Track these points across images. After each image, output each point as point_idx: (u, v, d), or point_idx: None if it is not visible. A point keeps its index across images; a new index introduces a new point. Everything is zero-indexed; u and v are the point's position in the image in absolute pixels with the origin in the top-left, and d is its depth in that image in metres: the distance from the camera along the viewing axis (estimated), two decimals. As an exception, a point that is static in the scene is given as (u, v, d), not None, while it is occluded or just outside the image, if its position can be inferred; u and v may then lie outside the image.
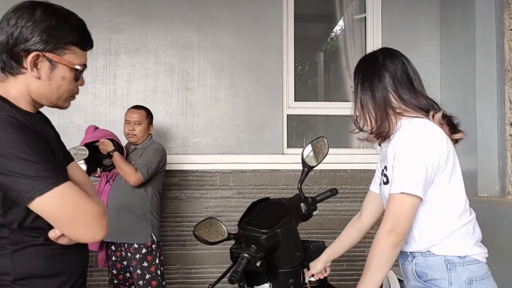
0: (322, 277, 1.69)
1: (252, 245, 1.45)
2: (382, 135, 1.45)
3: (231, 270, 1.41)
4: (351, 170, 3.43)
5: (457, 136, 1.45)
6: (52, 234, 1.14)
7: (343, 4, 3.85)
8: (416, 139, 1.35)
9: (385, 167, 1.46)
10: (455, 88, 3.30)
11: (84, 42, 1.23)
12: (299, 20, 3.60)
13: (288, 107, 3.50)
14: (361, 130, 1.54)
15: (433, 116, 1.39)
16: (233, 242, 1.59)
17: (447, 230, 1.38)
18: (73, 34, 1.17)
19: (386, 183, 1.44)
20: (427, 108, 1.43)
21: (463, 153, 3.07)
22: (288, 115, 3.52)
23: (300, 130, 4.49)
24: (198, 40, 3.39)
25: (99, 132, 2.85)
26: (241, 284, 1.58)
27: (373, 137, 1.49)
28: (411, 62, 1.50)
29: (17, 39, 1.11)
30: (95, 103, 3.36)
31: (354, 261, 3.40)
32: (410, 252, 1.44)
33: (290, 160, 3.36)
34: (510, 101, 2.95)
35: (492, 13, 3.03)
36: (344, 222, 3.44)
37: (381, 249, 1.33)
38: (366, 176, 3.40)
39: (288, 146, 3.50)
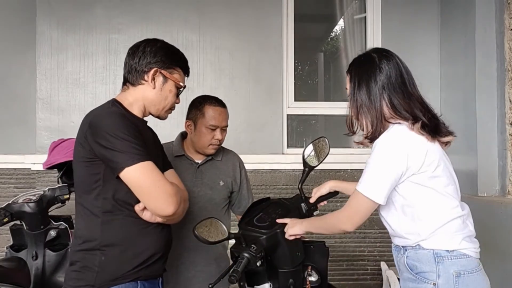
0: (322, 203, 1.80)
1: (252, 245, 1.45)
2: (375, 139, 1.49)
3: (231, 269, 1.41)
4: (351, 170, 3.43)
5: (446, 139, 1.49)
6: (136, 207, 1.42)
7: (343, 4, 3.85)
8: (389, 146, 1.41)
9: None
10: (455, 88, 3.30)
11: (186, 67, 1.68)
12: (299, 20, 3.60)
13: (288, 107, 3.50)
14: (354, 133, 1.57)
15: (413, 125, 1.43)
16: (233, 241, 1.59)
17: (434, 226, 1.43)
18: (181, 60, 1.65)
19: None
20: (416, 115, 1.45)
21: (463, 153, 3.08)
22: (288, 115, 3.52)
23: (300, 130, 4.49)
24: (197, 40, 3.39)
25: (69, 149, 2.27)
26: (241, 283, 1.58)
27: (368, 141, 1.53)
28: (403, 61, 1.53)
29: (144, 59, 1.55)
30: (95, 103, 3.28)
31: (354, 261, 3.40)
32: (402, 246, 1.51)
33: (290, 160, 3.35)
34: (510, 101, 2.95)
35: (492, 13, 3.03)
36: (344, 222, 3.45)
37: (334, 225, 1.53)
38: (366, 176, 3.40)
39: (288, 146, 3.50)
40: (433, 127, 1.45)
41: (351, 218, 1.46)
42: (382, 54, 1.52)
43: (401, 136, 1.42)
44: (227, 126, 2.11)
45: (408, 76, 1.50)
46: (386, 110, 1.47)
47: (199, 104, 2.07)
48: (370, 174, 1.42)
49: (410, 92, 1.48)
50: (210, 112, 2.04)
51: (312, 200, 1.74)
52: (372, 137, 1.50)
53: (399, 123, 1.46)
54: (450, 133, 1.49)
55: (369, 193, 1.41)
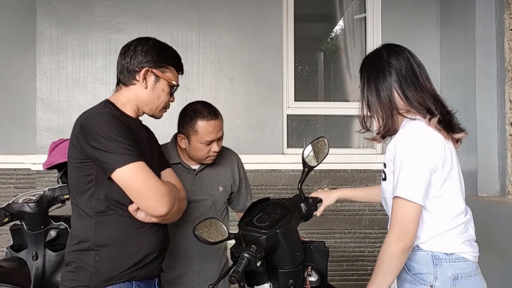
0: (318, 213, 1.79)
1: (252, 245, 1.45)
2: (388, 134, 1.49)
3: (232, 270, 1.41)
4: (351, 170, 3.43)
5: (458, 135, 1.47)
6: (130, 208, 1.43)
7: (343, 4, 3.85)
8: (417, 144, 1.38)
9: (384, 164, 1.49)
10: (455, 88, 3.30)
11: (179, 66, 1.63)
12: (299, 20, 3.60)
13: (288, 107, 3.50)
14: (367, 130, 1.56)
15: (429, 120, 1.41)
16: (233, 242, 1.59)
17: (437, 230, 1.42)
18: (173, 58, 1.60)
19: (384, 179, 1.49)
20: (429, 108, 1.44)
21: (463, 153, 3.07)
22: (288, 115, 3.52)
23: (300, 130, 4.49)
24: (197, 40, 3.39)
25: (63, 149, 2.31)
26: (241, 284, 1.58)
27: (379, 137, 1.52)
28: (415, 56, 1.52)
29: (135, 59, 1.54)
30: (95, 103, 3.30)
31: (354, 261, 3.40)
32: None
33: (290, 160, 3.35)
34: (510, 101, 2.95)
35: (492, 13, 3.03)
36: (344, 222, 3.45)
37: (390, 256, 1.37)
38: (366, 176, 3.40)
39: (288, 146, 3.50)
40: (447, 123, 1.44)
41: (403, 232, 1.35)
42: (392, 49, 1.52)
43: (421, 132, 1.40)
44: (223, 134, 1.98)
45: (420, 70, 1.49)
46: (400, 103, 1.46)
47: (190, 119, 1.90)
48: (404, 176, 1.36)
49: (422, 84, 1.47)
50: (204, 128, 1.88)
51: (318, 213, 1.77)
52: (383, 133, 1.49)
53: (416, 119, 1.44)
54: (462, 130, 1.48)
55: (406, 194, 1.34)
